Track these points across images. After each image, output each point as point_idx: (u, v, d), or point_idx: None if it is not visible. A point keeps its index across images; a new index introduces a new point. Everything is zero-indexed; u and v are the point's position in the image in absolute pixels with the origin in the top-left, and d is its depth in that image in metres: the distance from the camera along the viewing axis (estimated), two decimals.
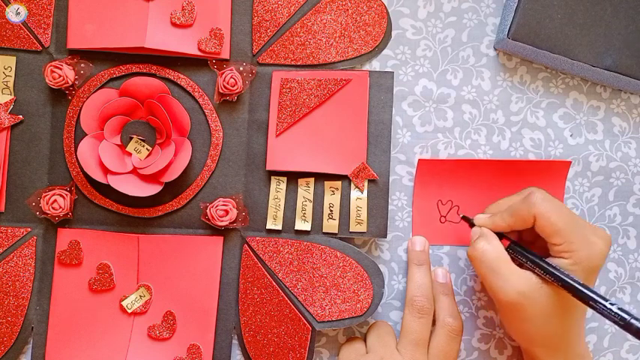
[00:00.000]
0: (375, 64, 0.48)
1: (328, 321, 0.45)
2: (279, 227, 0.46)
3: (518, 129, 0.49)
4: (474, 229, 0.44)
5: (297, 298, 0.45)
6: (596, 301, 0.36)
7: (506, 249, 0.42)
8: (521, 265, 0.41)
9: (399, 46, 0.48)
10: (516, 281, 0.39)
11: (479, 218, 0.44)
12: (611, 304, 0.35)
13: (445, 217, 0.48)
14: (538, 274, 0.40)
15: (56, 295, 0.45)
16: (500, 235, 0.43)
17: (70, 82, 0.45)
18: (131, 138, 0.45)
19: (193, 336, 0.46)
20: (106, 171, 0.44)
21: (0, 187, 0.45)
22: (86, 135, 0.44)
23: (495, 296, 0.41)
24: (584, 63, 0.46)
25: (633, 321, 0.33)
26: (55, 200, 0.45)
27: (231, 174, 0.46)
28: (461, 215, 0.47)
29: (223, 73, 0.45)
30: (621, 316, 0.34)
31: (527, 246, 0.43)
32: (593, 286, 0.38)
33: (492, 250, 0.41)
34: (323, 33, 0.46)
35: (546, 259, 0.40)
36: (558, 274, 0.39)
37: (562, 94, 0.49)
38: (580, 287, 0.37)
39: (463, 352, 0.49)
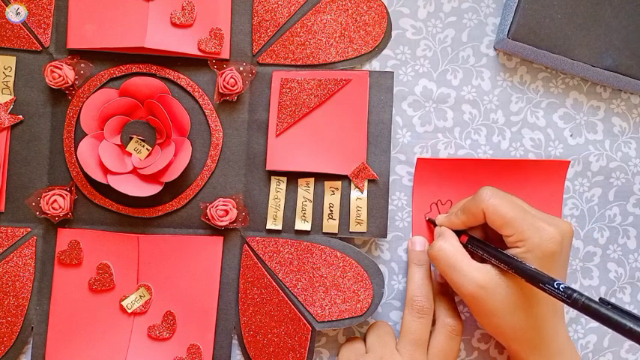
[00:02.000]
0: (375, 64, 0.48)
1: (328, 321, 0.45)
2: (279, 227, 0.46)
3: (518, 129, 0.49)
4: (436, 229, 0.46)
5: (297, 298, 0.45)
6: (544, 282, 0.36)
7: (465, 244, 0.43)
8: (483, 261, 0.42)
9: (399, 46, 0.48)
10: (474, 274, 0.40)
11: (438, 218, 0.46)
12: (558, 284, 0.36)
13: None
14: (496, 266, 0.41)
15: (56, 295, 0.45)
16: (460, 233, 0.44)
17: (70, 82, 0.45)
18: (131, 138, 0.45)
19: (193, 336, 0.46)
20: (106, 171, 0.44)
21: (0, 187, 0.45)
22: (86, 135, 0.44)
23: (458, 291, 0.42)
24: (584, 63, 0.46)
25: (577, 296, 0.34)
26: (55, 200, 0.45)
27: (231, 174, 0.46)
28: (427, 218, 0.48)
29: (223, 73, 0.45)
30: (568, 294, 0.35)
31: (494, 245, 0.43)
32: (555, 273, 0.38)
33: (449, 248, 0.42)
34: (323, 33, 0.46)
35: (502, 250, 0.41)
36: (508, 259, 0.40)
37: (562, 94, 0.49)
38: (528, 269, 0.38)
39: (463, 352, 0.49)
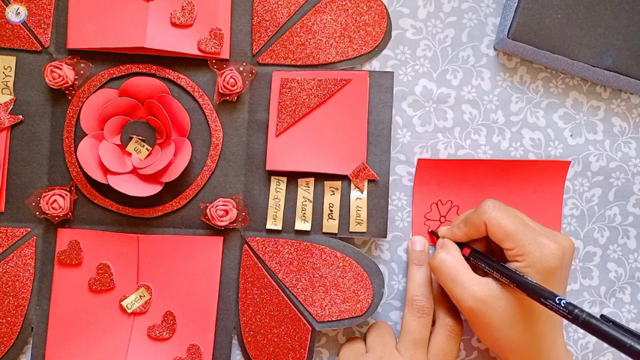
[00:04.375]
0: (375, 64, 0.48)
1: (328, 321, 0.45)
2: (279, 227, 0.46)
3: (518, 129, 0.49)
4: (439, 241, 0.46)
5: (297, 298, 0.45)
6: (546, 297, 0.36)
7: (467, 257, 0.43)
8: (485, 275, 0.42)
9: (399, 46, 0.48)
10: (474, 288, 0.40)
11: (441, 230, 0.46)
12: (560, 299, 0.35)
13: (445, 217, 0.48)
14: (497, 279, 0.41)
15: (56, 295, 0.45)
16: (463, 245, 0.44)
17: (70, 82, 0.45)
18: (131, 138, 0.45)
19: (193, 336, 0.46)
20: (106, 171, 0.44)
21: (0, 187, 0.45)
22: (86, 135, 0.44)
23: (457, 304, 0.42)
24: (584, 63, 0.46)
25: (578, 312, 0.34)
26: (55, 200, 0.45)
27: (231, 174, 0.46)
28: (429, 230, 0.48)
29: (223, 73, 0.45)
30: (569, 310, 0.35)
31: (496, 258, 0.43)
32: (555, 288, 0.38)
33: (450, 260, 0.42)
34: (323, 33, 0.46)
35: (503, 264, 0.41)
36: (510, 273, 0.39)
37: (562, 94, 0.49)
38: (529, 283, 0.38)
39: (463, 352, 0.49)
